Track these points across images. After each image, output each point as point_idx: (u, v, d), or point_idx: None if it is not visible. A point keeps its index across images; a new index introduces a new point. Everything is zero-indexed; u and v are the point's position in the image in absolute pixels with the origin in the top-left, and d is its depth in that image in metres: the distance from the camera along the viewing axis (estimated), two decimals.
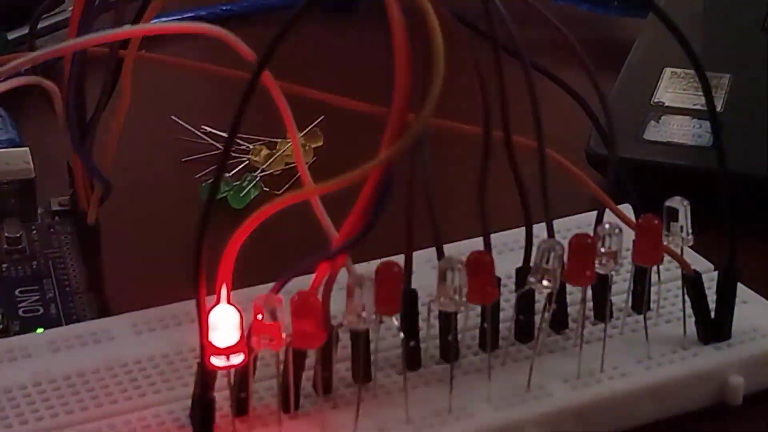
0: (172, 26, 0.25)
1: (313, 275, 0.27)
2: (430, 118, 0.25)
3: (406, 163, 0.27)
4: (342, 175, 0.26)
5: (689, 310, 0.31)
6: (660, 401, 0.30)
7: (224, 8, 0.54)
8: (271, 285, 0.28)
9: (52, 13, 0.51)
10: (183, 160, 0.43)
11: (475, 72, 0.27)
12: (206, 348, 0.26)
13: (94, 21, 0.30)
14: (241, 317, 0.26)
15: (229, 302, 0.26)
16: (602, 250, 0.29)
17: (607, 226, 0.29)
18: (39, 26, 0.49)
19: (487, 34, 0.28)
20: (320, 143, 0.43)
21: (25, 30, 0.49)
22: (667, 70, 0.44)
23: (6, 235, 0.36)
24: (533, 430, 0.29)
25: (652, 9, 0.31)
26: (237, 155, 0.42)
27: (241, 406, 0.28)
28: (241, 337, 0.26)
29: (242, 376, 0.27)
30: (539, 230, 0.30)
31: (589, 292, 0.31)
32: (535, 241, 0.30)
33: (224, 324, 0.26)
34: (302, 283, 0.27)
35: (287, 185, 0.41)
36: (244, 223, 0.26)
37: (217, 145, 0.43)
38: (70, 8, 0.50)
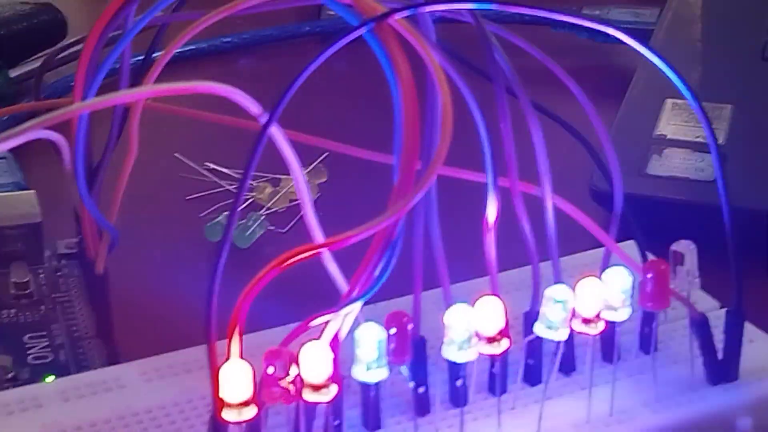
0: (181, 87, 0.25)
1: (324, 328, 0.27)
2: (436, 172, 0.25)
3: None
4: (353, 229, 0.26)
5: (696, 351, 0.31)
6: None
7: (225, 40, 0.54)
8: (280, 328, 0.28)
9: (55, 47, 0.52)
10: (187, 198, 0.43)
11: (483, 126, 0.27)
12: (218, 402, 0.26)
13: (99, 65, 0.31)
14: (254, 371, 0.26)
15: (241, 356, 0.26)
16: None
17: (614, 272, 0.29)
18: (40, 63, 0.50)
19: (491, 78, 0.28)
20: (324, 179, 0.43)
21: (28, 67, 0.50)
22: (669, 102, 0.44)
23: (13, 280, 0.36)
24: None
25: (645, 48, 0.32)
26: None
27: None
28: (254, 389, 0.26)
29: (254, 429, 0.27)
30: (544, 268, 0.30)
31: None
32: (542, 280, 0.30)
33: (236, 379, 0.26)
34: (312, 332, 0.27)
35: (292, 223, 0.41)
36: (256, 279, 0.26)
37: (221, 183, 0.43)
38: (70, 43, 0.51)
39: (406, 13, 0.26)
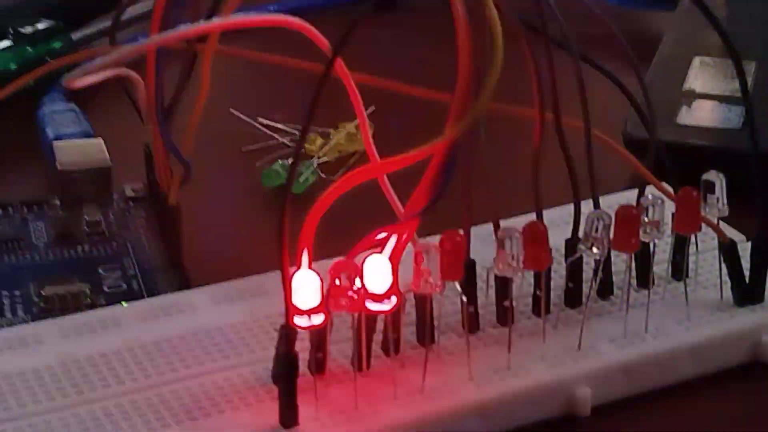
0: (255, 19, 0.27)
1: (385, 243, 0.30)
2: (488, 102, 0.28)
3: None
4: (410, 151, 0.28)
5: (725, 277, 0.34)
6: (699, 359, 0.33)
7: (271, 8, 0.57)
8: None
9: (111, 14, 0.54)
10: (243, 149, 0.45)
11: (531, 62, 0.30)
12: (290, 309, 0.29)
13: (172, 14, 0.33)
14: (321, 282, 0.29)
15: (310, 267, 0.29)
16: (646, 219, 0.32)
17: (650, 196, 0.32)
18: (100, 26, 0.52)
19: (540, 29, 0.31)
20: (371, 131, 0.45)
21: (87, 31, 0.52)
22: (697, 59, 0.47)
23: (86, 218, 0.39)
24: (584, 386, 0.31)
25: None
26: (293, 144, 0.45)
27: (318, 365, 0.30)
28: (321, 299, 0.29)
29: (320, 337, 0.30)
30: (584, 207, 0.33)
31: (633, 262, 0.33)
32: (582, 217, 0.32)
33: (307, 287, 0.28)
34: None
35: (342, 171, 0.44)
36: (326, 193, 0.28)
37: (275, 136, 0.46)
38: (127, 10, 0.53)
39: None
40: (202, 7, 0.34)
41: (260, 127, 0.46)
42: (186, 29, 0.29)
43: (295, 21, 0.27)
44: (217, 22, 0.27)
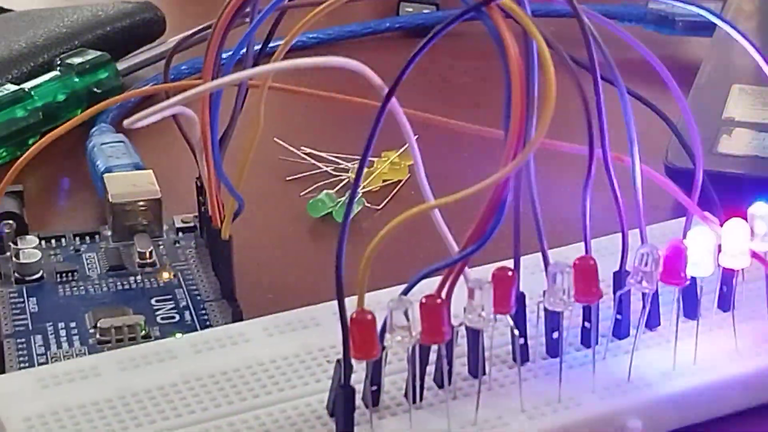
0: (314, 61, 0.28)
1: (439, 280, 0.30)
2: (541, 140, 0.28)
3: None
4: (464, 189, 0.29)
5: None
6: (748, 390, 0.33)
7: (311, 36, 0.58)
8: (396, 287, 0.31)
9: (155, 45, 0.55)
10: (287, 179, 0.46)
11: (581, 100, 0.30)
12: (347, 343, 0.29)
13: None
14: (374, 318, 0.29)
15: (364, 308, 0.29)
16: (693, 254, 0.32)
17: (698, 230, 0.32)
18: (146, 56, 0.53)
19: (587, 65, 0.31)
20: (413, 161, 0.46)
21: (132, 61, 0.53)
22: (735, 87, 0.47)
23: (138, 250, 0.39)
24: (635, 418, 0.32)
25: (725, 23, 0.34)
26: (337, 173, 0.46)
27: (373, 398, 0.31)
28: (375, 335, 0.29)
29: (375, 370, 0.30)
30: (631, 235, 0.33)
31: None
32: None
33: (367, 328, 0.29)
34: (426, 286, 0.30)
35: (386, 200, 0.44)
36: (379, 237, 0.29)
37: (319, 165, 0.46)
38: (170, 40, 0.54)
39: None
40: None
41: (303, 156, 0.47)
42: (245, 73, 0.30)
43: (353, 63, 0.28)
44: (275, 65, 0.28)
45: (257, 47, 0.36)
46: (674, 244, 0.32)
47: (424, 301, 0.30)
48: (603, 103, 0.32)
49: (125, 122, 0.28)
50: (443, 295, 0.30)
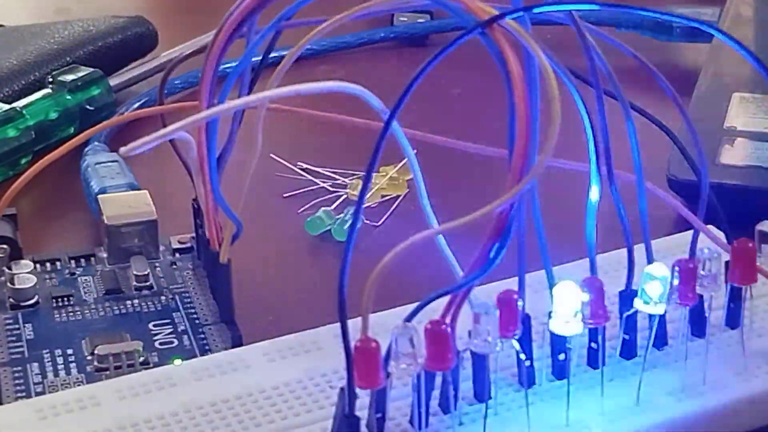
0: (313, 87, 0.27)
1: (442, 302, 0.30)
2: (546, 163, 0.28)
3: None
4: (468, 215, 0.28)
5: None
6: (758, 411, 0.32)
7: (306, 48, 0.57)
8: (400, 309, 0.30)
9: (147, 59, 0.55)
10: (285, 195, 0.45)
11: (584, 117, 0.30)
12: (351, 372, 0.29)
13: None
14: (378, 346, 0.29)
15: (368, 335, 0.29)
16: (702, 273, 0.32)
17: (706, 251, 0.31)
18: (138, 71, 0.53)
19: (589, 81, 0.31)
20: (411, 176, 0.46)
21: (125, 77, 0.53)
22: (736, 96, 0.47)
23: (135, 273, 0.39)
24: None
25: (722, 34, 0.34)
26: (335, 189, 0.45)
27: (378, 426, 0.30)
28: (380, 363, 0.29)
29: (379, 398, 0.30)
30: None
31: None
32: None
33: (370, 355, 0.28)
34: (430, 309, 0.30)
35: (385, 217, 0.44)
36: (383, 263, 0.28)
37: (316, 180, 0.46)
38: (162, 54, 0.53)
39: (516, 14, 0.28)
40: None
41: (300, 172, 0.46)
42: (244, 100, 0.29)
43: (353, 88, 0.27)
44: (275, 91, 0.27)
45: (255, 59, 0.35)
46: (683, 264, 0.31)
47: (429, 327, 0.29)
48: (607, 121, 0.31)
49: (121, 150, 0.27)
50: (448, 320, 0.30)
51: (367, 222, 0.43)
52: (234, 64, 0.33)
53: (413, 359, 0.29)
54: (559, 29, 0.33)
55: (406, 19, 0.59)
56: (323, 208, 0.43)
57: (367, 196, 0.44)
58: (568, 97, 0.30)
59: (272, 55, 0.35)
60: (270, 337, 0.35)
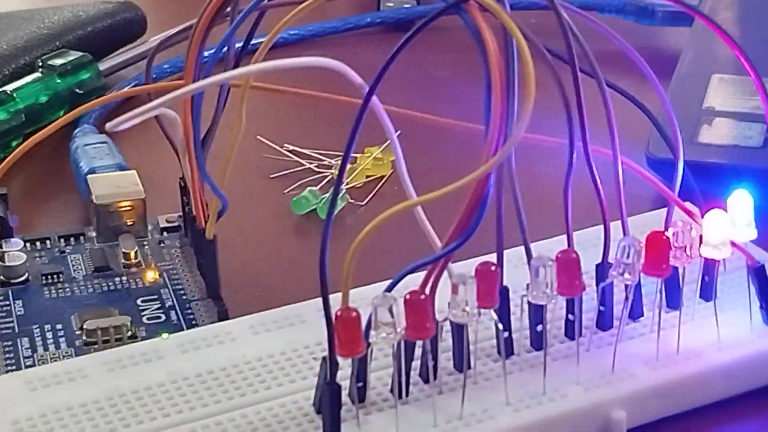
0: (293, 62, 0.28)
1: (422, 275, 0.30)
2: (521, 135, 0.29)
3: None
4: (446, 186, 0.29)
5: (754, 297, 0.34)
6: (731, 379, 0.33)
7: (292, 32, 0.58)
8: (380, 284, 0.31)
9: (136, 44, 0.55)
10: (271, 176, 0.46)
11: (560, 93, 0.31)
12: (333, 341, 0.29)
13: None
14: (359, 315, 0.30)
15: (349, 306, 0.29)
16: (676, 244, 0.32)
17: (680, 224, 0.32)
18: (126, 56, 0.53)
19: (566, 58, 0.32)
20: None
21: (114, 61, 0.53)
22: (715, 77, 0.47)
23: (123, 250, 0.39)
24: (619, 409, 0.32)
25: (702, 17, 0.35)
26: (321, 170, 0.46)
27: (360, 395, 0.31)
28: (360, 332, 0.30)
29: (361, 367, 0.31)
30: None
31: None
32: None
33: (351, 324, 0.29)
34: (410, 282, 0.31)
35: (370, 196, 0.44)
36: (364, 232, 0.29)
37: (302, 162, 0.46)
38: (151, 39, 0.54)
39: None
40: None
41: (287, 153, 0.47)
42: (226, 75, 0.30)
43: (333, 63, 0.28)
44: (256, 66, 0.28)
45: (239, 45, 0.36)
46: (655, 235, 0.32)
47: (408, 297, 0.30)
48: (583, 96, 0.32)
49: (107, 125, 0.28)
50: (427, 290, 0.30)
51: (352, 201, 0.44)
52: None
53: (393, 328, 0.30)
54: (544, 16, 0.34)
55: (392, 4, 0.60)
56: (309, 188, 0.44)
57: (352, 176, 0.45)
58: (544, 74, 0.31)
59: (256, 41, 0.36)
60: (255, 311, 0.36)
